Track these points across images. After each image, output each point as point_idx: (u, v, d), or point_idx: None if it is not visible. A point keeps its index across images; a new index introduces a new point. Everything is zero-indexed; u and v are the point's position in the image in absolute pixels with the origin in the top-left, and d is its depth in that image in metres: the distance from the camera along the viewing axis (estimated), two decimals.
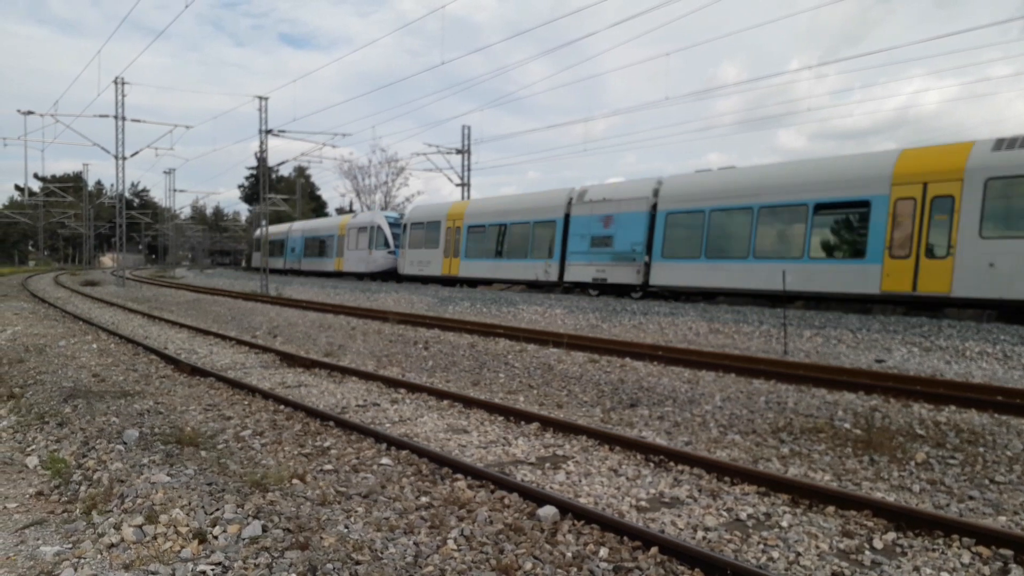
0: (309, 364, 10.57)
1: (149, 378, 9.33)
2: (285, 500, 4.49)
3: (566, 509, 4.48)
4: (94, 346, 12.39)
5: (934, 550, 4.09)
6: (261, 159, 34.28)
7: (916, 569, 3.85)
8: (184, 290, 31.99)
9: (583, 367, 10.23)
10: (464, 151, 41.43)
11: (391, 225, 33.62)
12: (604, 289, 21.31)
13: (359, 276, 35.09)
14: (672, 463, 5.70)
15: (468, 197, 40.72)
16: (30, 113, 32.44)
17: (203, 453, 5.64)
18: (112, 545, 3.74)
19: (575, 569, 3.73)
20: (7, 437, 6.43)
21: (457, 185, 41.61)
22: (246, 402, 7.94)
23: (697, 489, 5.12)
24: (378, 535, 4.04)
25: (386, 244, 33.46)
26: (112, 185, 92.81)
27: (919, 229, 14.18)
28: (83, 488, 4.81)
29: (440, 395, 8.26)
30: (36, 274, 53.30)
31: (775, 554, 4.02)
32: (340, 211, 67.75)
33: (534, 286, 24.34)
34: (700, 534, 4.32)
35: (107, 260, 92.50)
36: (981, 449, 6.12)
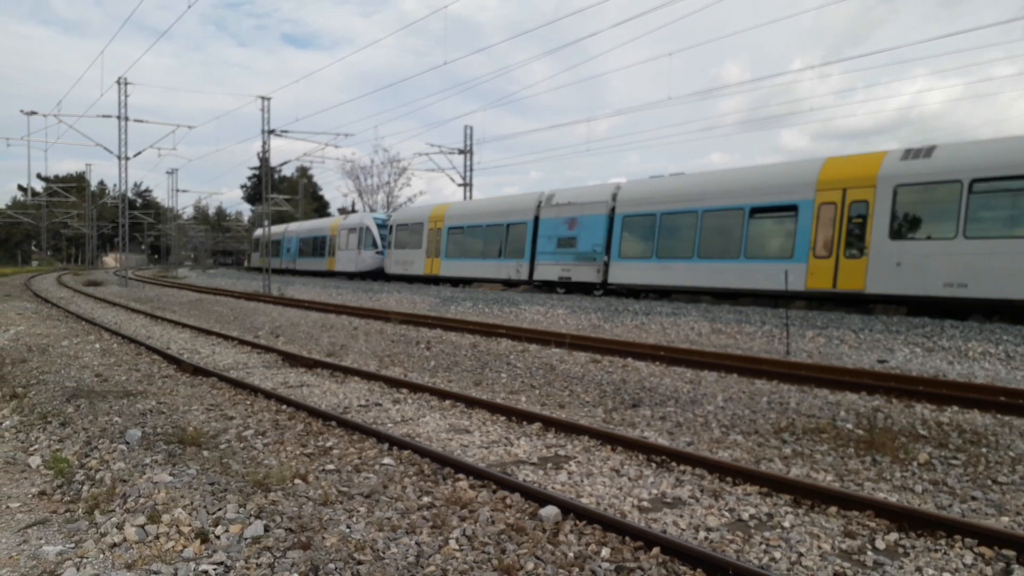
0: (311, 364, 10.58)
1: (152, 378, 9.35)
2: (287, 500, 4.49)
3: (568, 509, 4.47)
4: (97, 346, 12.41)
5: (936, 551, 4.08)
6: (263, 159, 34.36)
7: (918, 570, 3.85)
8: (187, 290, 32.03)
9: (585, 367, 10.23)
10: (466, 151, 41.46)
11: (379, 226, 34.82)
12: (570, 287, 22.44)
13: (350, 275, 36.41)
14: (674, 463, 5.70)
15: (470, 197, 40.75)
16: (33, 113, 32.56)
17: (205, 453, 5.65)
18: (114, 545, 3.75)
19: (577, 569, 3.73)
20: (10, 437, 6.45)
21: (459, 185, 41.66)
22: (248, 402, 7.95)
23: (699, 489, 5.12)
24: (380, 535, 4.05)
25: (374, 244, 34.82)
26: (115, 185, 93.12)
27: (839, 231, 15.46)
28: (86, 488, 4.82)
29: (442, 395, 8.26)
30: (39, 274, 53.43)
31: (777, 554, 4.01)
32: (342, 211, 67.85)
33: (509, 284, 25.37)
34: (702, 534, 4.32)
35: (110, 260, 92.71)
36: (984, 450, 6.11)
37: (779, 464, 5.82)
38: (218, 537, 3.82)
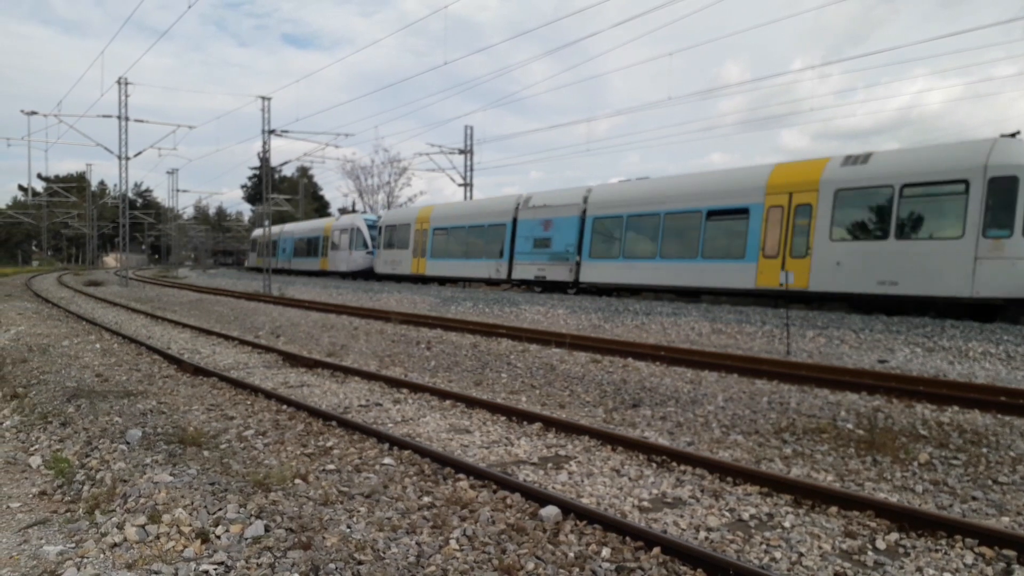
0: (312, 364, 10.58)
1: (152, 378, 9.35)
2: (288, 500, 4.49)
3: (568, 509, 4.47)
4: (97, 346, 12.41)
5: (937, 551, 4.08)
6: (264, 159, 34.40)
7: (919, 570, 3.85)
8: (187, 290, 32.04)
9: (585, 367, 10.23)
10: (467, 151, 41.46)
11: (370, 227, 35.78)
12: (545, 286, 23.51)
13: (342, 275, 37.34)
14: (674, 463, 5.70)
15: (471, 197, 40.77)
16: (34, 113, 32.59)
17: (206, 453, 5.65)
18: (115, 545, 3.75)
19: (577, 569, 3.73)
20: (11, 437, 6.45)
21: (460, 185, 41.67)
22: (249, 402, 7.95)
23: (699, 489, 5.12)
24: (380, 535, 4.05)
25: (365, 245, 35.73)
26: (115, 185, 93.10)
27: (786, 233, 16.42)
28: (86, 488, 4.82)
29: (442, 395, 8.26)
30: (39, 274, 53.45)
31: (778, 554, 4.01)
32: (343, 211, 67.90)
33: (491, 283, 26.37)
34: (702, 534, 4.32)
35: (110, 260, 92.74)
36: (984, 450, 6.11)
37: (779, 464, 5.82)
38: (219, 537, 3.82)
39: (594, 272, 21.44)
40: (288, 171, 78.37)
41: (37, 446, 6.07)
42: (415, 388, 8.70)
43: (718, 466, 5.47)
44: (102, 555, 3.66)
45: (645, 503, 4.87)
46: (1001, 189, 13.29)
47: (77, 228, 77.31)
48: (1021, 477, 5.46)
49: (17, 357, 10.77)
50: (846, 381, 8.69)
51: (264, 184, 34.19)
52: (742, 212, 17.35)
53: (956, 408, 7.53)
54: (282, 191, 68.30)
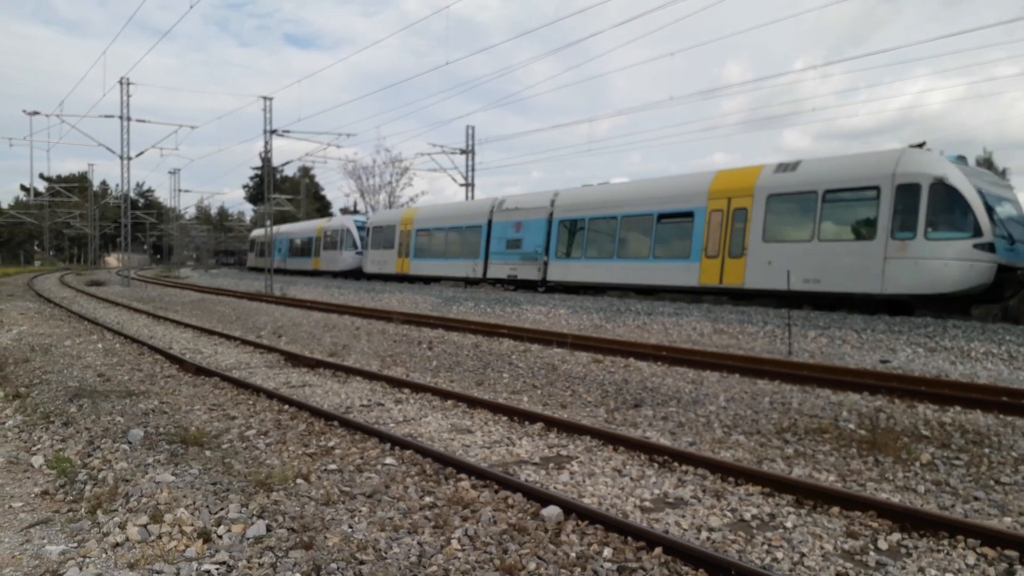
0: (313, 364, 10.59)
1: (154, 378, 9.36)
2: (289, 500, 4.49)
3: (570, 509, 4.47)
4: (99, 346, 12.43)
5: (939, 551, 4.08)
6: (265, 159, 34.45)
7: (921, 570, 3.84)
8: (189, 290, 32.07)
9: (587, 367, 10.22)
10: (468, 151, 41.46)
11: (359, 228, 37.07)
12: (517, 284, 24.80)
13: (333, 274, 38.73)
14: (676, 463, 5.69)
15: (472, 197, 40.78)
16: (36, 113, 32.64)
17: (208, 453, 5.66)
18: (117, 544, 3.76)
19: (579, 569, 3.73)
20: (13, 436, 6.46)
21: (461, 185, 41.67)
22: (251, 402, 7.96)
23: (701, 489, 5.12)
24: (382, 535, 4.05)
25: (354, 245, 37.16)
26: (117, 185, 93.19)
27: (725, 235, 17.65)
28: (88, 487, 4.82)
29: (444, 395, 8.26)
30: (41, 274, 53.52)
31: (779, 555, 4.01)
32: (344, 211, 67.98)
33: (469, 282, 27.51)
34: (704, 534, 4.32)
35: (112, 260, 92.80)
36: (986, 450, 6.10)
37: (781, 464, 5.81)
38: (220, 537, 3.82)
39: (560, 271, 22.78)
40: (290, 171, 78.42)
41: (39, 446, 6.08)
42: (417, 388, 8.71)
43: (720, 466, 5.47)
44: (104, 555, 3.66)
45: (647, 503, 4.87)
46: (907, 195, 14.47)
47: (79, 228, 77.39)
48: (1023, 477, 5.45)
49: (19, 357, 10.79)
50: (848, 381, 8.69)
51: (266, 184, 34.21)
52: (688, 216, 18.67)
53: (958, 408, 7.52)
54: (284, 191, 68.33)
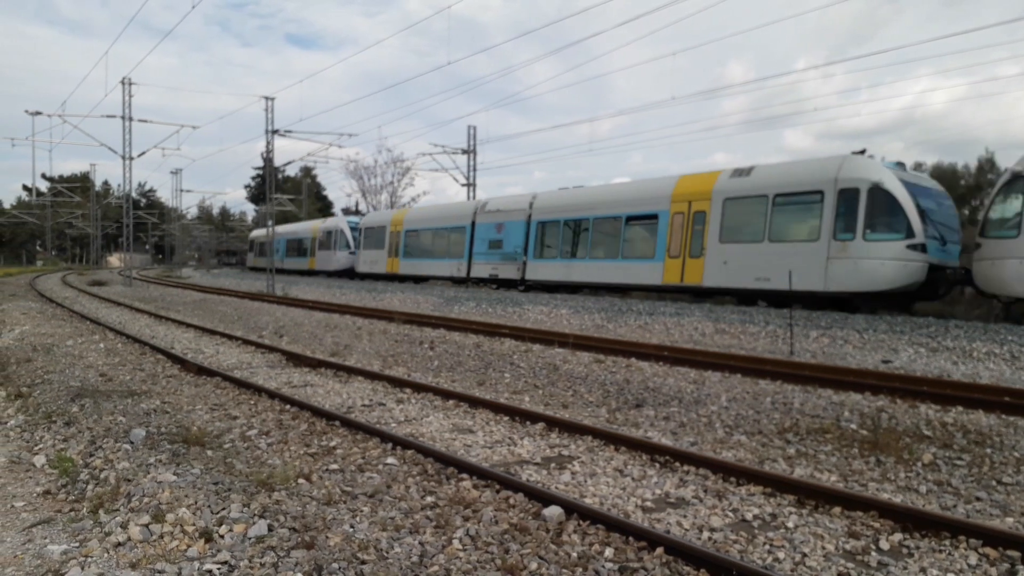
0: (315, 364, 10.60)
1: (156, 377, 9.37)
2: (291, 499, 4.50)
3: (571, 509, 4.47)
4: (101, 345, 12.44)
5: (941, 551, 4.07)
6: (267, 159, 34.47)
7: (923, 570, 3.84)
8: (191, 290, 32.10)
9: (588, 367, 10.22)
10: (470, 151, 41.46)
11: (352, 229, 38.36)
12: (500, 283, 25.81)
13: (328, 274, 39.92)
14: (678, 463, 5.69)
15: (474, 197, 40.78)
16: (38, 113, 32.69)
17: (209, 452, 5.66)
18: (119, 544, 3.76)
19: (580, 569, 3.73)
20: (15, 436, 6.47)
21: (463, 185, 41.67)
22: (252, 401, 7.97)
23: (703, 489, 5.11)
24: (383, 535, 4.05)
25: (347, 246, 38.33)
26: (119, 185, 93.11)
27: (686, 236, 18.73)
28: (90, 487, 4.83)
29: (446, 395, 8.26)
30: (44, 274, 53.58)
31: (781, 555, 4.01)
32: (346, 211, 68.01)
33: (455, 281, 28.49)
34: (706, 534, 4.31)
35: (114, 260, 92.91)
36: (988, 450, 6.09)
37: (783, 464, 5.81)
38: (222, 536, 3.83)
39: (538, 271, 23.92)
40: (292, 171, 78.57)
41: (41, 445, 6.09)
42: (418, 388, 8.71)
43: (721, 466, 5.47)
44: (106, 554, 3.67)
45: (648, 503, 4.87)
46: (848, 199, 15.45)
47: (81, 228, 77.52)
48: None
49: (21, 357, 10.81)
50: (850, 381, 8.68)
51: (268, 184, 34.25)
52: (653, 218, 19.79)
53: (960, 408, 7.51)
54: (286, 191, 68.37)
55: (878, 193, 15.06)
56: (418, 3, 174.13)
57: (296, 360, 11.04)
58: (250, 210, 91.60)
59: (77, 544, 3.86)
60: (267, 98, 30.92)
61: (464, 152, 41.38)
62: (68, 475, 5.15)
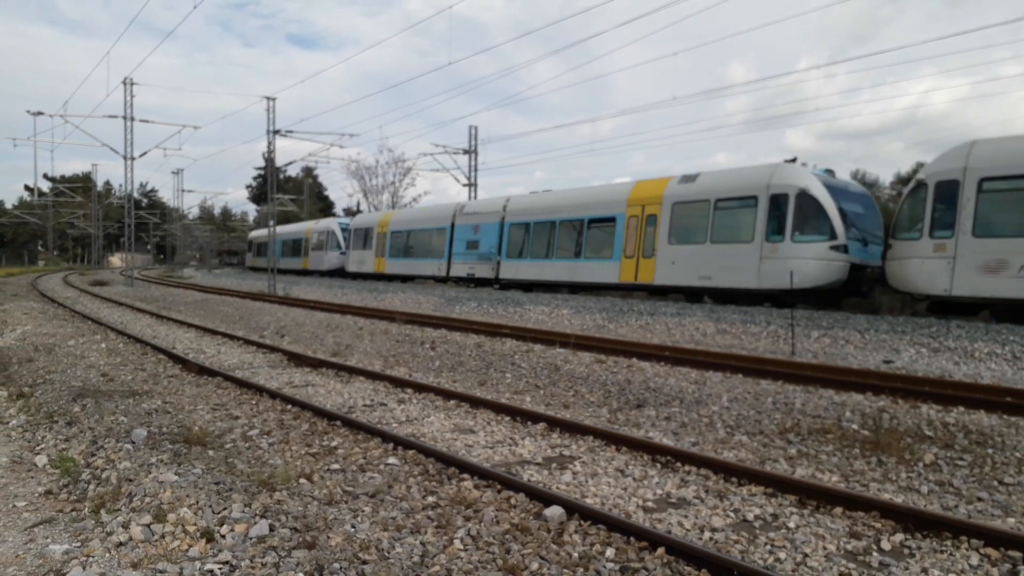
0: (316, 364, 10.60)
1: (157, 377, 9.38)
2: (292, 499, 4.50)
3: (573, 509, 4.47)
4: (103, 345, 12.45)
5: (942, 552, 4.07)
6: (269, 159, 34.50)
7: (924, 571, 3.84)
8: (192, 290, 32.13)
9: (590, 367, 10.22)
10: (471, 151, 41.46)
11: (343, 230, 39.64)
12: (477, 282, 27.02)
13: (320, 273, 41.01)
14: (679, 463, 5.69)
15: (475, 197, 40.80)
16: (40, 114, 32.69)
17: (211, 452, 5.67)
18: (120, 544, 3.76)
19: (582, 569, 3.73)
20: (16, 436, 6.48)
21: (464, 185, 41.67)
22: (253, 401, 7.97)
23: (704, 490, 5.11)
24: (385, 534, 4.05)
25: (338, 246, 39.67)
26: (121, 185, 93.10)
27: (640, 238, 20.03)
28: (92, 487, 4.83)
29: (447, 395, 8.27)
30: (45, 274, 53.63)
31: (782, 555, 4.01)
32: (347, 211, 68.12)
33: (437, 280, 29.65)
34: (707, 535, 4.31)
35: (116, 260, 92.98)
36: (990, 450, 6.09)
37: (784, 465, 5.80)
38: (223, 536, 3.83)
39: (510, 270, 25.28)
40: (293, 171, 78.63)
41: (43, 445, 6.09)
42: (419, 388, 8.71)
43: (723, 466, 5.46)
44: (107, 554, 3.67)
45: (649, 503, 4.86)
46: (778, 204, 16.70)
47: (83, 228, 77.58)
48: None
49: (23, 357, 10.82)
50: (851, 381, 8.67)
51: (269, 184, 34.27)
52: (611, 221, 21.11)
53: (962, 409, 7.51)
54: (287, 191, 68.41)
55: (805, 198, 16.24)
56: (419, 3, 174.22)
57: (297, 360, 11.04)
58: (251, 210, 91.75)
59: (79, 544, 3.87)
60: (269, 98, 30.95)
61: (465, 152, 41.39)
62: (70, 475, 5.16)
